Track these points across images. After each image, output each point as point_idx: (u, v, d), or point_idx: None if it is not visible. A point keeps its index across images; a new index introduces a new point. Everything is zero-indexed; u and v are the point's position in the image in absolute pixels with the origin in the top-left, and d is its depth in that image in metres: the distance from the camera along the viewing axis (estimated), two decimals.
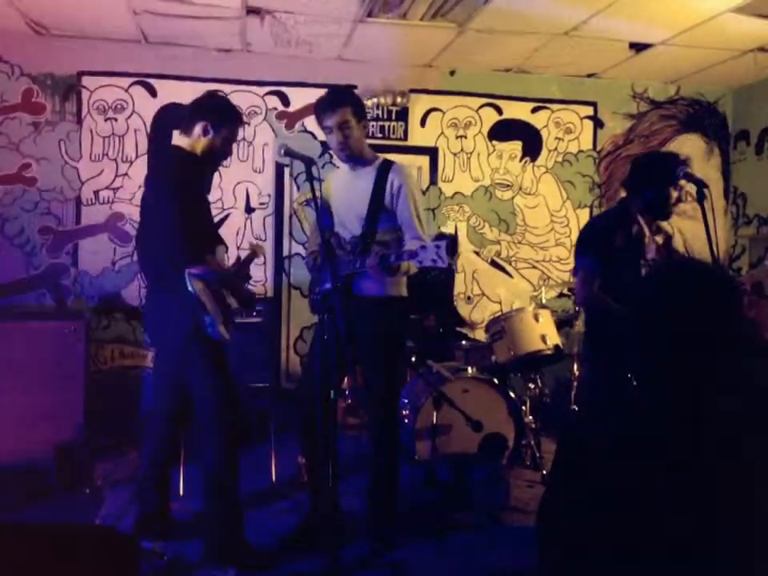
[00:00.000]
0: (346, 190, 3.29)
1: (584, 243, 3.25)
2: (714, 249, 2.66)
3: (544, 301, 4.85)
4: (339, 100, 3.14)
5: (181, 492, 3.73)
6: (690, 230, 4.96)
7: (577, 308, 4.81)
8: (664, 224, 3.20)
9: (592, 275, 3.13)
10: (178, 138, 3.07)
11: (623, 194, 3.36)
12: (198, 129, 2.99)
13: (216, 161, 3.17)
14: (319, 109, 3.13)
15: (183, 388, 3.02)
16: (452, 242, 4.95)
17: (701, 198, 2.75)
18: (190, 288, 2.73)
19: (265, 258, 5.33)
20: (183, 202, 2.83)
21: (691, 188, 2.95)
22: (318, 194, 2.84)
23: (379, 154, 3.34)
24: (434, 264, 2.72)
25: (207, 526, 2.98)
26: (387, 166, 3.22)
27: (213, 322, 2.79)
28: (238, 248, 5.24)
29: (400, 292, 3.26)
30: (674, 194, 3.02)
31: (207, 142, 3.01)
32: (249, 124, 5.32)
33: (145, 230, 3.11)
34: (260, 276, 5.41)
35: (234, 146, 4.92)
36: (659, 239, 3.04)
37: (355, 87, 5.47)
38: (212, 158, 3.10)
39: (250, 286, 4.11)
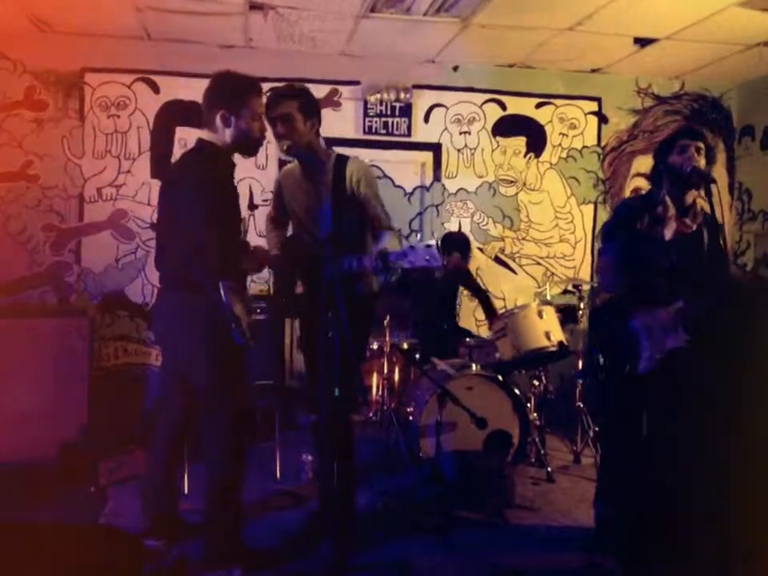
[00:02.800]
0: (303, 191, 3.20)
1: (606, 228, 3.20)
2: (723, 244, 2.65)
3: (548, 297, 4.83)
4: (286, 93, 3.09)
5: (186, 490, 3.74)
6: None
7: (581, 304, 4.78)
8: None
9: (614, 263, 3.08)
10: (207, 135, 2.90)
11: (631, 189, 3.32)
12: (218, 121, 2.83)
13: (253, 144, 2.96)
14: (267, 101, 3.07)
15: (193, 389, 2.97)
16: (443, 241, 4.96)
17: (708, 194, 2.73)
18: (224, 299, 2.68)
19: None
20: (221, 212, 2.73)
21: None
22: (323, 195, 2.83)
23: (333, 149, 3.26)
24: (428, 264, 2.72)
25: (207, 525, 2.94)
26: (343, 160, 3.15)
27: (241, 329, 2.76)
28: None
29: (375, 289, 3.26)
30: (680, 157, 2.91)
31: (234, 131, 2.85)
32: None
33: (170, 231, 2.92)
34: (263, 274, 5.40)
35: None
36: (689, 221, 2.96)
37: (358, 83, 5.47)
38: (246, 144, 2.93)
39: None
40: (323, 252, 2.75)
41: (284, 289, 3.24)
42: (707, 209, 3.01)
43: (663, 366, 2.80)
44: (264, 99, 3.01)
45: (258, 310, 4.50)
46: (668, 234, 2.93)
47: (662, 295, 2.87)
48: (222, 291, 2.67)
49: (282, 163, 5.39)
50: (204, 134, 2.91)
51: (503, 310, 5.01)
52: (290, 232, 3.49)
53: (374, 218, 3.15)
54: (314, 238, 3.11)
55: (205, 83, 2.94)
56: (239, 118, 2.84)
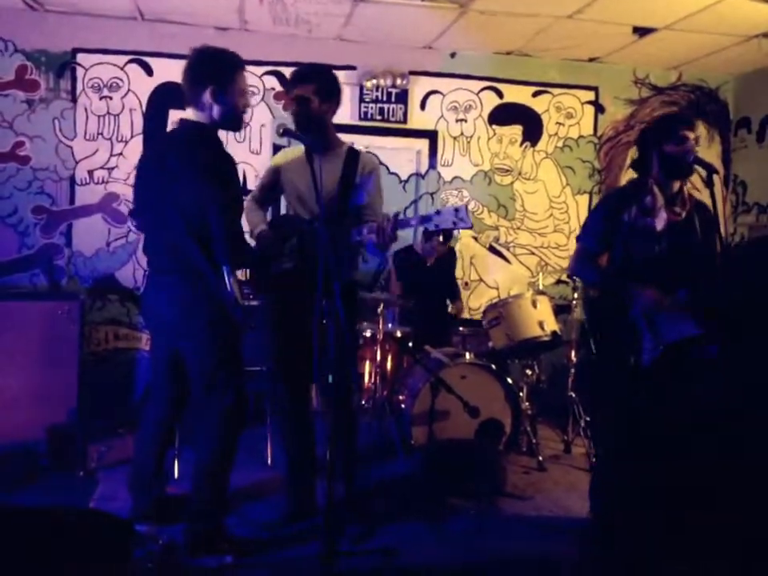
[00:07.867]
0: (309, 172, 3.14)
1: (588, 218, 3.21)
2: (722, 233, 2.64)
3: (542, 287, 4.82)
4: (304, 75, 3.17)
5: (176, 475, 3.72)
6: None
7: (575, 294, 4.78)
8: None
9: (587, 252, 3.12)
10: (192, 114, 2.84)
11: (627, 180, 3.31)
12: (207, 97, 2.78)
13: (239, 119, 2.93)
14: (288, 80, 3.27)
15: (187, 374, 2.93)
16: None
17: (710, 183, 2.71)
18: (228, 287, 2.70)
19: None
20: (225, 194, 2.68)
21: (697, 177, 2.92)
22: (317, 175, 2.79)
23: (345, 141, 3.35)
24: (455, 226, 2.82)
25: (190, 511, 2.88)
26: (355, 152, 3.29)
27: (240, 309, 2.77)
28: None
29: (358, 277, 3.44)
30: (680, 147, 2.89)
31: (222, 107, 2.80)
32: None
33: (158, 217, 2.83)
34: None
35: None
36: (678, 209, 2.94)
37: (354, 68, 5.42)
38: (234, 120, 2.90)
39: None
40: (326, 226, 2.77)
41: (267, 265, 3.27)
42: (697, 196, 3.01)
43: (672, 357, 2.78)
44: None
45: (251, 296, 4.46)
46: (659, 224, 2.91)
47: (653, 285, 2.84)
48: (225, 276, 2.68)
49: (276, 148, 5.36)
50: (188, 113, 2.85)
51: (497, 300, 5.00)
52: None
53: (367, 206, 3.23)
54: (314, 216, 3.15)
55: None
56: (227, 94, 2.81)
